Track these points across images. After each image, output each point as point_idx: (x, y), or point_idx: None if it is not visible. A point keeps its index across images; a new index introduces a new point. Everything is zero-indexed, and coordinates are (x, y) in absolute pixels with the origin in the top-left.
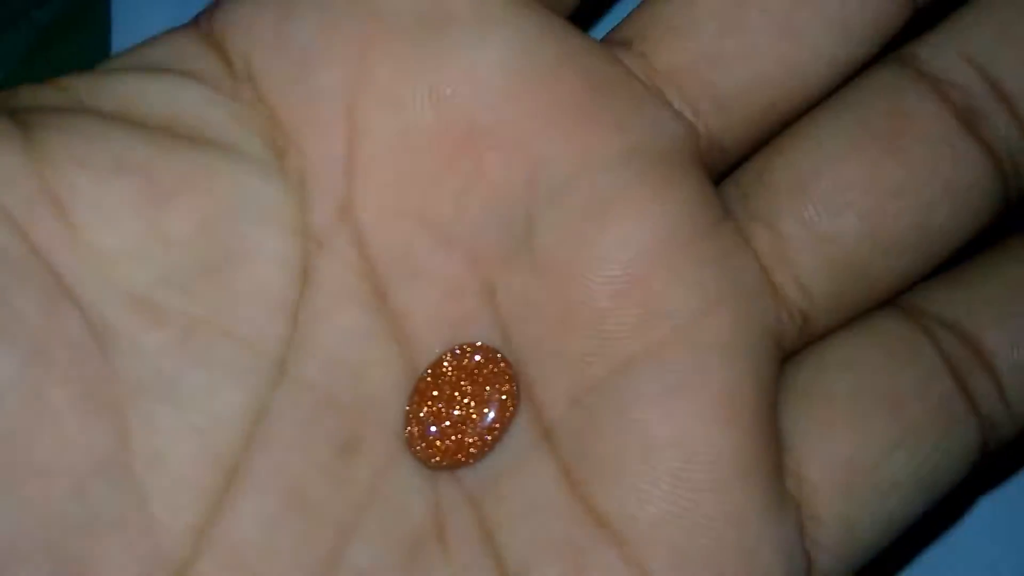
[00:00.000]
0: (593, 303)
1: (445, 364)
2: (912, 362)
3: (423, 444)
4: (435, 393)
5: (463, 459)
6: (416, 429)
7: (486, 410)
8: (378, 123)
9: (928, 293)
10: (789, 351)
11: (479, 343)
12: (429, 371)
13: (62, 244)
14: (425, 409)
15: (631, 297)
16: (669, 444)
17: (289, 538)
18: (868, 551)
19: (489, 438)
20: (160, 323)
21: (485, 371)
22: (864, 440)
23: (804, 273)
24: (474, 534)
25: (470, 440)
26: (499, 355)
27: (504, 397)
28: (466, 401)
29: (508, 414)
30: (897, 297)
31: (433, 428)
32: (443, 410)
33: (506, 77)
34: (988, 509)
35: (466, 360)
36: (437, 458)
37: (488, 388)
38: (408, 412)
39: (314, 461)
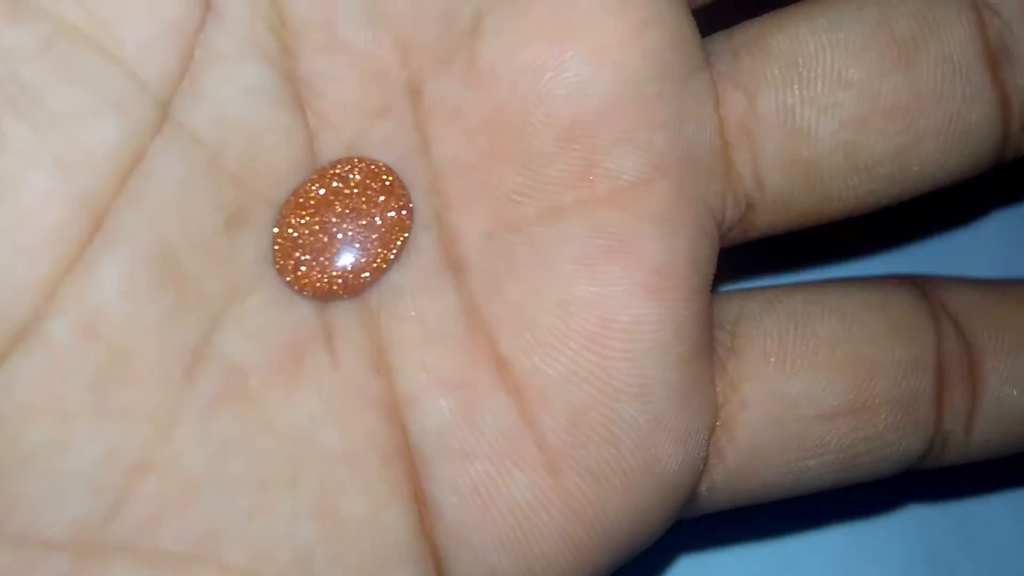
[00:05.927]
0: (533, 140)
1: (331, 176)
2: (908, 343)
3: (290, 272)
4: (313, 214)
5: (338, 292)
6: (282, 249)
7: (370, 245)
8: None
9: (957, 288)
10: (724, 236)
11: (376, 161)
12: (311, 183)
13: None
14: (298, 230)
15: (575, 146)
16: (588, 304)
17: (156, 313)
18: (756, 496)
19: (366, 275)
20: (22, 17)
21: (376, 198)
22: (818, 389)
23: (764, 160)
24: (365, 348)
25: (341, 272)
26: (398, 183)
27: (388, 233)
28: (346, 228)
29: (391, 252)
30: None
31: (304, 255)
32: (318, 235)
33: None
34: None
35: (355, 178)
36: (307, 291)
37: (376, 219)
38: (276, 231)
39: (193, 228)
